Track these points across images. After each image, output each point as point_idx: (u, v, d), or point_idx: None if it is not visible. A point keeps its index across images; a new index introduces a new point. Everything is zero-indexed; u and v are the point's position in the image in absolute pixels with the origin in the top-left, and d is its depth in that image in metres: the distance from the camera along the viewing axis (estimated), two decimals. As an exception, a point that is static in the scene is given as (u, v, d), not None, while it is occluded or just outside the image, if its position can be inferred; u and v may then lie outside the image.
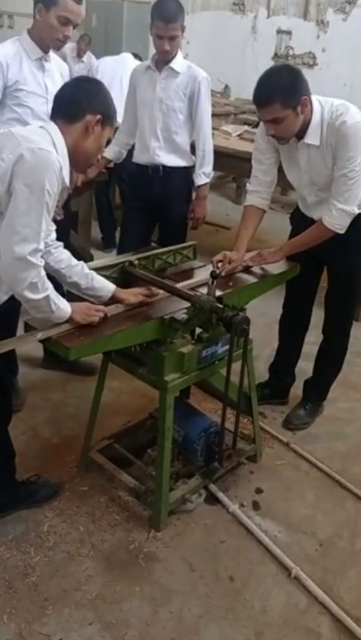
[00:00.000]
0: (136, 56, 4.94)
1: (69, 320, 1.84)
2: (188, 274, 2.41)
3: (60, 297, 1.80)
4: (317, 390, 2.95)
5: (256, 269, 2.52)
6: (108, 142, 2.16)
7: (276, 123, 2.24)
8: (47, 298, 1.74)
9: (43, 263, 1.71)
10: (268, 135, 2.34)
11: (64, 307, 1.81)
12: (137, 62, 4.55)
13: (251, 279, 2.45)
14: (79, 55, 6.56)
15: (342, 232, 2.41)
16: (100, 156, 2.08)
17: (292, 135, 2.32)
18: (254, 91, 2.23)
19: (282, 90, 2.18)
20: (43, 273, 1.71)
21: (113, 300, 2.02)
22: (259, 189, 2.60)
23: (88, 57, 6.48)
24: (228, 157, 4.51)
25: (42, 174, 1.62)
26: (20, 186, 1.62)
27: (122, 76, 4.43)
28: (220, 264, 2.40)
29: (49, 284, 1.74)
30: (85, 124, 1.77)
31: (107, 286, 2.02)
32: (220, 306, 1.99)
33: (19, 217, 1.63)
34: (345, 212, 2.36)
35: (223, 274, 2.37)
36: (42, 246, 1.69)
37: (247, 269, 2.51)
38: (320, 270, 2.76)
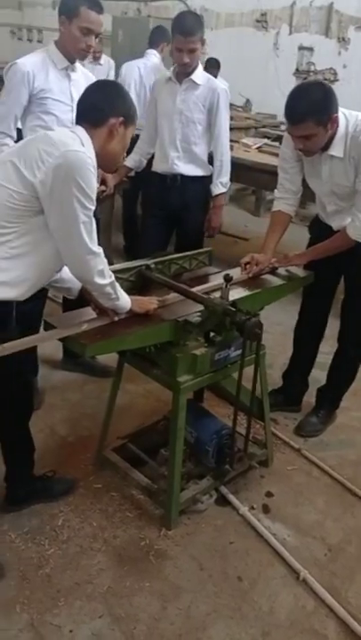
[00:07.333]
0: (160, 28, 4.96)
1: (128, 310, 1.99)
2: (204, 279, 2.45)
3: (120, 288, 1.96)
4: (330, 398, 2.97)
5: (281, 271, 2.58)
6: (133, 142, 2.23)
7: (306, 139, 2.27)
8: (113, 283, 1.90)
9: (101, 250, 1.84)
10: (297, 149, 2.38)
11: (126, 296, 1.97)
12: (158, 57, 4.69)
13: (267, 284, 2.49)
14: (95, 58, 6.56)
15: None
16: (120, 165, 2.15)
17: (319, 149, 2.36)
18: (287, 107, 2.24)
19: (316, 108, 2.20)
20: (105, 260, 1.86)
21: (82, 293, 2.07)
22: (285, 196, 2.66)
23: (106, 60, 6.34)
24: (248, 170, 4.58)
25: (80, 173, 1.70)
26: (64, 188, 1.70)
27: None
28: (247, 266, 2.45)
29: (111, 273, 1.90)
30: (109, 128, 1.86)
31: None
32: (233, 309, 2.04)
33: (72, 217, 1.73)
34: None
35: (250, 275, 2.45)
36: (95, 235, 1.81)
37: (273, 271, 2.57)
38: (338, 280, 2.79)
